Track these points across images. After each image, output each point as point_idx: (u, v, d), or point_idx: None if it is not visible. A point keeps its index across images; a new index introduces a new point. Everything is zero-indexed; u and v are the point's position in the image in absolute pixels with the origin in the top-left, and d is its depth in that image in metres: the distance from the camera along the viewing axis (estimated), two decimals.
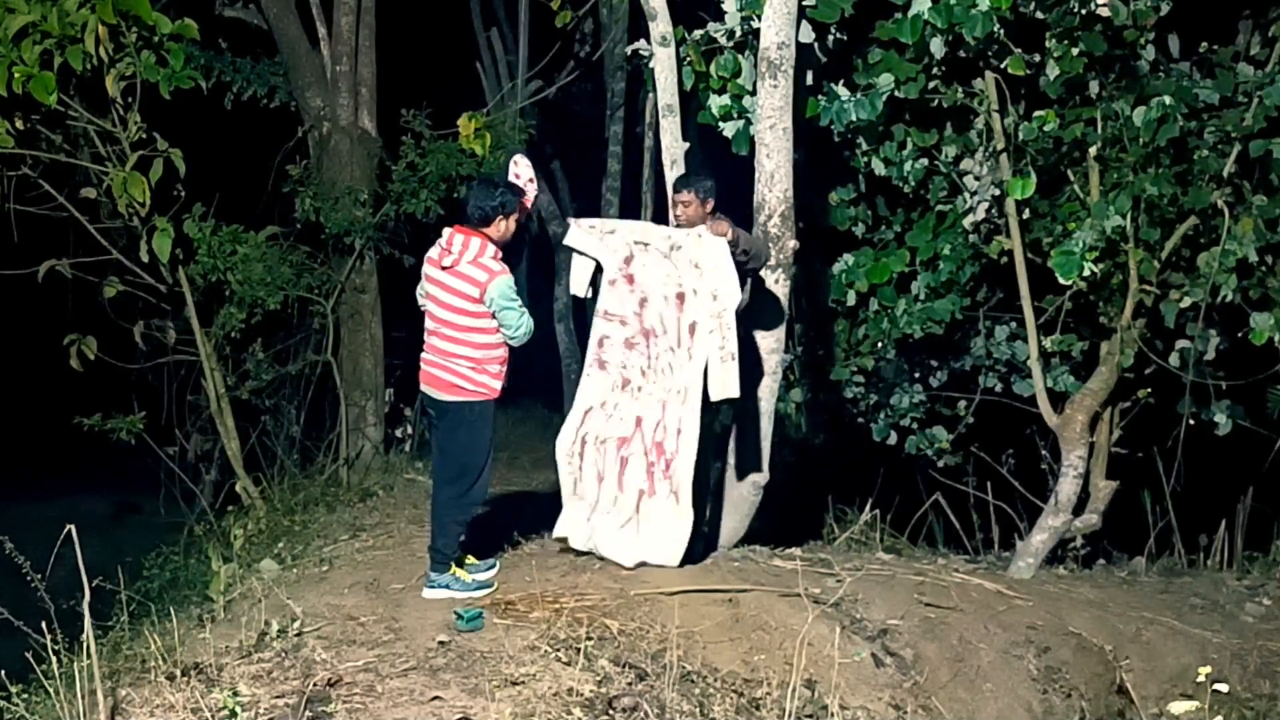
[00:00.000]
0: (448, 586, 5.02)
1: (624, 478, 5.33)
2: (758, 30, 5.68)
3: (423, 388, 5.10)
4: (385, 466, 8.35)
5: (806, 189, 6.45)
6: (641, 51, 6.34)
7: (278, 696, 3.93)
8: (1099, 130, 6.24)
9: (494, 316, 4.92)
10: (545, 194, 11.43)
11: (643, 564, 5.28)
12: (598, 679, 4.16)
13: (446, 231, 5.00)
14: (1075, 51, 6.06)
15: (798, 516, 8.86)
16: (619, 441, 5.35)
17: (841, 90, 6.29)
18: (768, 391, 5.76)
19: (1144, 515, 7.49)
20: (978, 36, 5.84)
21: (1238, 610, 6.18)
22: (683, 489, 5.23)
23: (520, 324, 4.95)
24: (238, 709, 3.72)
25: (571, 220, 5.50)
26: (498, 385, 5.02)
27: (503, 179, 5.28)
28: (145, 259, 7.25)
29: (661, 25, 5.92)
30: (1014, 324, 7.58)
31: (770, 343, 5.72)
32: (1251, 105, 6.12)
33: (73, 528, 3.88)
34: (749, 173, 5.73)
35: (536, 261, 12.42)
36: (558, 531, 5.50)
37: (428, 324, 5.06)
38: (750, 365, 5.74)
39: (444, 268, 4.93)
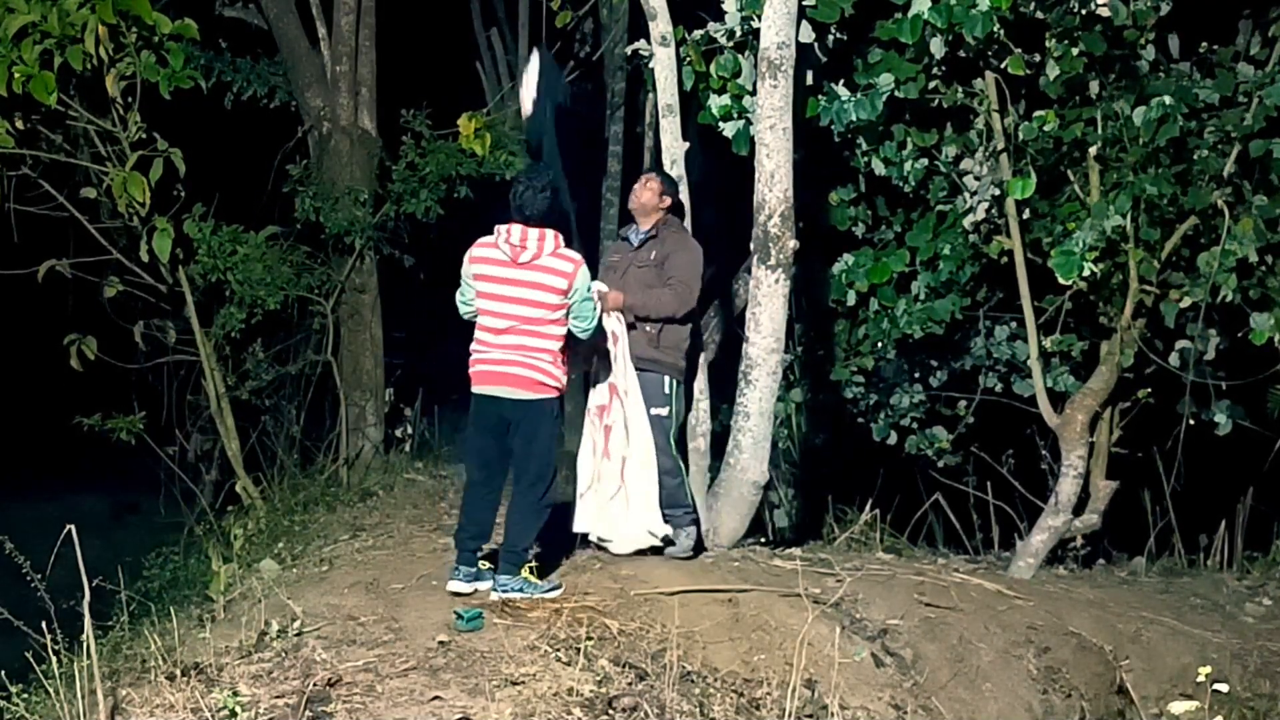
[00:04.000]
0: (520, 590, 4.88)
1: (609, 444, 5.39)
2: (758, 30, 5.68)
3: (494, 390, 4.90)
4: (385, 466, 8.35)
5: (806, 189, 6.45)
6: (641, 51, 6.34)
7: (278, 696, 3.93)
8: (1099, 130, 6.24)
9: (568, 310, 4.89)
10: None
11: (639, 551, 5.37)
12: (598, 679, 4.16)
13: (514, 229, 4.83)
14: (1075, 51, 6.05)
15: (798, 516, 8.87)
16: (599, 410, 5.43)
17: (841, 90, 6.29)
18: (768, 391, 5.76)
19: (1144, 515, 7.49)
20: (978, 36, 5.83)
21: (1238, 610, 6.18)
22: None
23: (595, 315, 5.01)
24: (238, 709, 3.72)
25: None
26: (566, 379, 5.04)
27: (537, 171, 5.13)
28: (145, 259, 7.26)
29: (661, 25, 5.92)
30: (1014, 324, 7.57)
31: (770, 343, 5.72)
32: (1251, 105, 6.12)
33: (73, 528, 3.88)
34: (749, 173, 5.73)
35: None
36: (576, 526, 5.52)
37: (492, 324, 4.87)
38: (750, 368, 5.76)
39: (521, 264, 4.80)
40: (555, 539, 5.51)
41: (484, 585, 5.01)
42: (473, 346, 4.98)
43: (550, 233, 4.86)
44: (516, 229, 4.84)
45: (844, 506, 8.23)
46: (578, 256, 4.90)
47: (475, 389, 4.97)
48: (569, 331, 4.98)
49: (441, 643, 4.41)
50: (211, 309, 7.98)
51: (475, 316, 4.99)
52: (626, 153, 10.37)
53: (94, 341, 7.39)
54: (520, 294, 4.84)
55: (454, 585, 4.97)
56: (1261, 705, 5.26)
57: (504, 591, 4.90)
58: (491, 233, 4.92)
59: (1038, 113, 6.29)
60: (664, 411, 5.52)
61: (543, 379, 4.90)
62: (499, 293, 4.87)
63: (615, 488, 5.40)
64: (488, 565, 5.09)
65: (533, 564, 5.02)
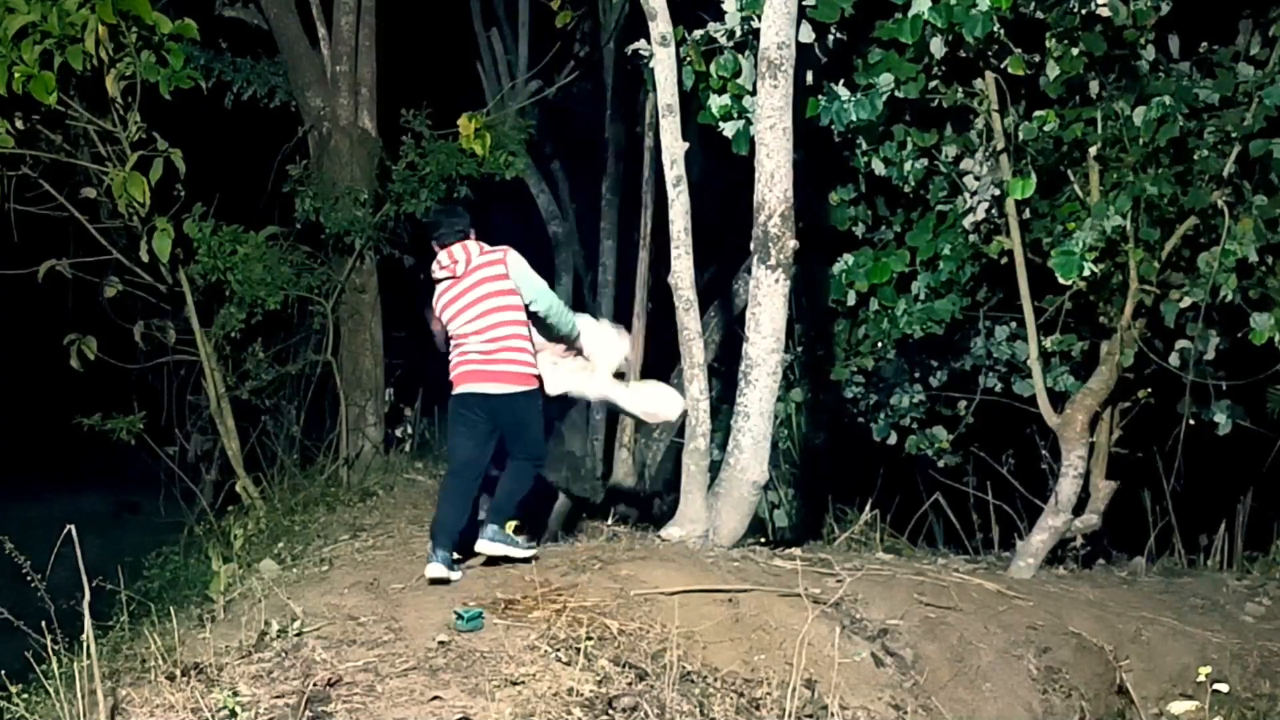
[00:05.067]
0: (505, 543, 5.20)
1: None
2: (758, 30, 5.68)
3: (479, 387, 5.23)
4: (385, 466, 8.35)
5: (806, 189, 6.46)
6: (641, 51, 6.34)
7: (278, 696, 3.93)
8: (1099, 130, 6.24)
9: (519, 293, 5.31)
10: (545, 194, 11.44)
11: None
12: (598, 679, 4.16)
13: (440, 255, 5.33)
14: (1075, 51, 6.06)
15: (798, 516, 8.88)
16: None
17: (841, 90, 6.29)
18: (768, 391, 5.76)
19: (1144, 515, 7.49)
20: (978, 36, 5.84)
21: (1238, 610, 6.18)
22: None
23: (545, 288, 5.43)
24: (238, 709, 3.72)
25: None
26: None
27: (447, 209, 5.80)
28: (145, 259, 7.26)
29: (661, 25, 5.92)
30: (1014, 324, 7.58)
31: (770, 343, 5.72)
32: (1251, 105, 6.12)
33: (73, 528, 3.89)
34: (749, 173, 5.73)
35: (536, 261, 12.42)
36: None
37: (466, 330, 5.26)
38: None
39: (460, 276, 5.28)
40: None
41: (456, 575, 5.16)
42: (452, 356, 5.34)
43: (468, 243, 5.36)
44: (443, 254, 5.35)
45: (844, 506, 8.24)
46: (502, 247, 5.38)
47: (460, 388, 5.28)
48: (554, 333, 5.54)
49: (441, 643, 4.40)
50: (211, 309, 7.98)
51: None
52: (626, 153, 10.37)
53: (94, 341, 7.39)
54: (476, 294, 5.27)
55: (435, 571, 5.09)
56: (1261, 705, 5.25)
57: (491, 540, 5.14)
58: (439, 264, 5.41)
59: (1038, 113, 6.29)
60: None
61: (525, 370, 5.26)
62: (462, 305, 5.27)
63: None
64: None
65: (517, 523, 5.24)
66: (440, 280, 5.34)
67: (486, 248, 5.36)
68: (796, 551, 6.15)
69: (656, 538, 5.83)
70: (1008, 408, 7.73)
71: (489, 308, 5.23)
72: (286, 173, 8.60)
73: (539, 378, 5.33)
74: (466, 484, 5.30)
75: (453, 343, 5.32)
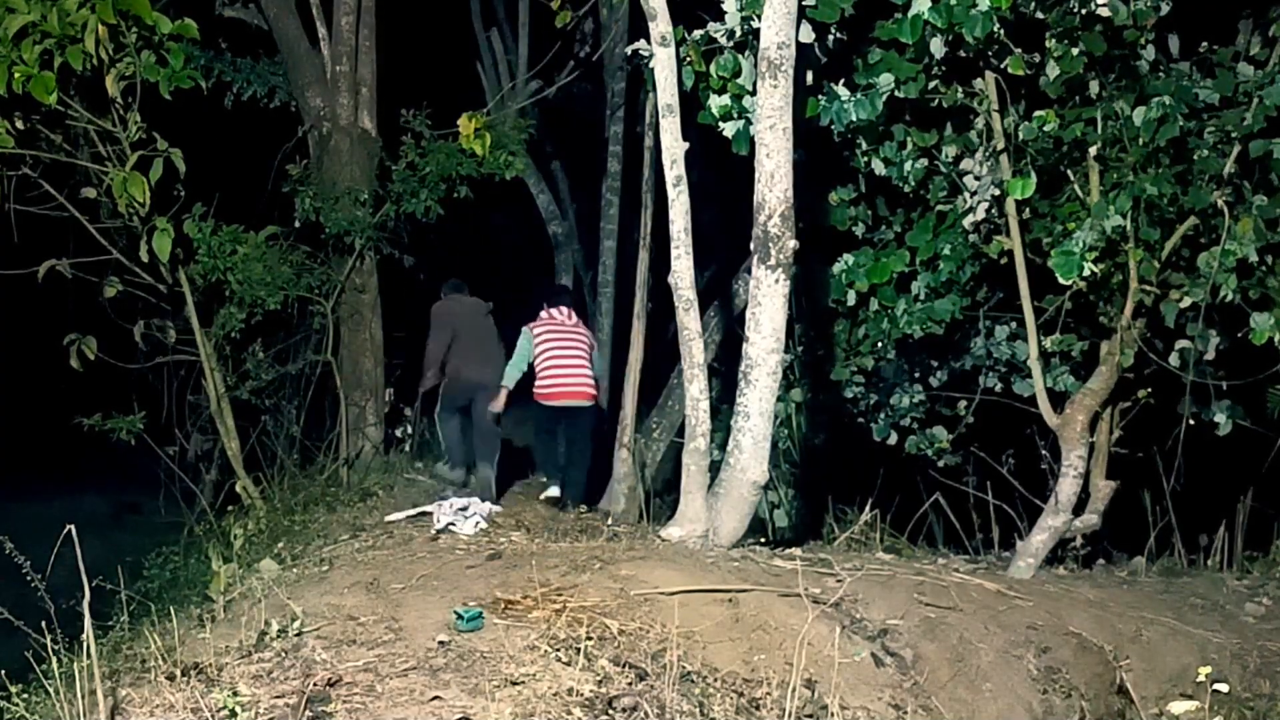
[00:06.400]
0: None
1: None
2: (758, 30, 5.68)
3: (571, 403, 7.42)
4: (385, 466, 8.36)
5: (806, 189, 6.45)
6: (641, 51, 6.34)
7: (278, 696, 3.93)
8: (1099, 130, 6.24)
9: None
10: (545, 194, 11.46)
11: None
12: (598, 679, 4.16)
13: (560, 309, 7.61)
14: (1075, 51, 6.05)
15: (798, 516, 8.87)
16: None
17: (841, 90, 6.29)
18: (768, 391, 5.76)
19: (1144, 515, 7.49)
20: (978, 36, 5.83)
21: (1238, 610, 6.18)
22: None
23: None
24: (238, 709, 3.72)
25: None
26: None
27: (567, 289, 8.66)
28: (145, 259, 7.26)
29: (661, 25, 5.92)
30: (1014, 324, 7.58)
31: (770, 343, 5.72)
32: (1251, 105, 6.11)
33: (73, 528, 3.88)
34: (749, 173, 5.73)
35: (538, 262, 12.45)
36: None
37: (563, 360, 7.42)
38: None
39: (565, 324, 7.55)
40: None
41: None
42: (549, 378, 7.39)
43: (572, 310, 7.71)
44: (552, 311, 7.59)
45: (844, 506, 8.24)
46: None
47: (557, 403, 7.42)
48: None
49: (441, 643, 4.41)
50: (211, 309, 7.98)
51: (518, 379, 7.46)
52: (626, 153, 10.37)
53: (94, 341, 7.39)
54: (576, 338, 7.51)
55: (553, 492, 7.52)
56: (1261, 705, 5.25)
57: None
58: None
59: (1038, 113, 6.29)
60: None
61: (596, 391, 7.52)
62: (565, 341, 7.44)
63: None
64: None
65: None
66: (548, 323, 7.49)
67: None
68: (796, 551, 6.15)
69: (656, 538, 5.85)
70: (1008, 408, 7.72)
71: (583, 350, 7.48)
72: (286, 173, 8.61)
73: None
74: (554, 443, 7.63)
75: (549, 367, 7.37)
